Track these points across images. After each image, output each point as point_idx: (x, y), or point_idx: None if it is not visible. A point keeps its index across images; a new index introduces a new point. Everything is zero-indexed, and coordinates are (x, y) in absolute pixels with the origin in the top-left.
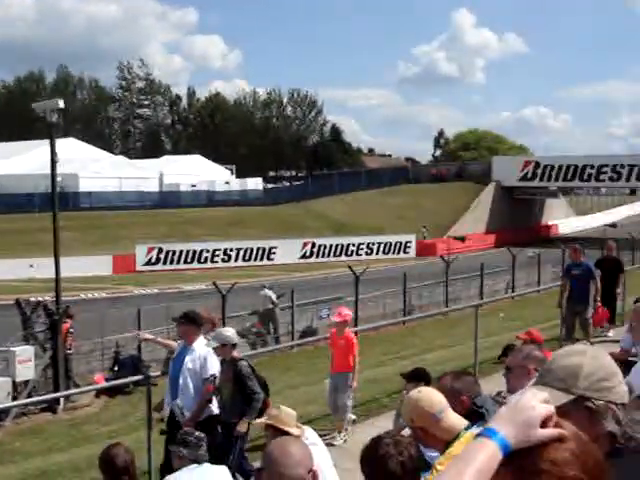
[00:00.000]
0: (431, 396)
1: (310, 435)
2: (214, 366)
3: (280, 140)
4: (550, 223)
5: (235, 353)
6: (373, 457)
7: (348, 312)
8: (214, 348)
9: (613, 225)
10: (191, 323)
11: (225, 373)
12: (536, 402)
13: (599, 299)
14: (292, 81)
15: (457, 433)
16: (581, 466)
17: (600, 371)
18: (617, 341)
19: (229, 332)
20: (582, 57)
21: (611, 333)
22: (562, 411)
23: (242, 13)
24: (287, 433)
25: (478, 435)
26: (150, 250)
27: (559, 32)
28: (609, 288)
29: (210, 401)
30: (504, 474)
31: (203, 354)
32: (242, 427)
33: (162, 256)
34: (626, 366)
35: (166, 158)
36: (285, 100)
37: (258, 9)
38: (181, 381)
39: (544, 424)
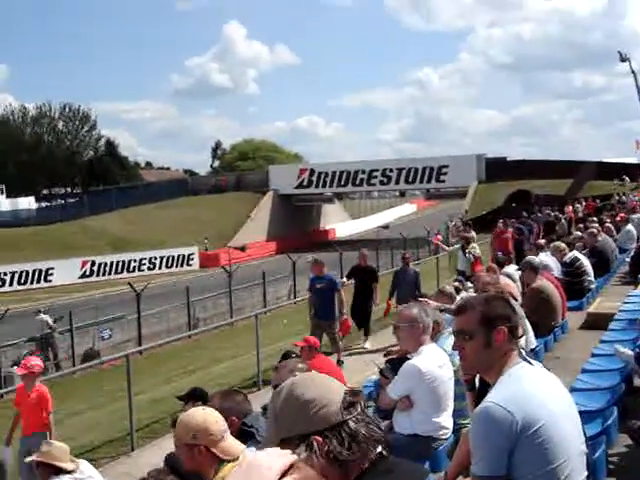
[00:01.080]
0: (217, 414)
1: (86, 469)
2: None
3: (53, 156)
4: (328, 228)
5: None
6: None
7: (37, 362)
8: None
9: (386, 226)
10: None
11: None
12: (272, 460)
13: (345, 311)
14: (63, 95)
15: (237, 455)
16: None
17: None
18: (375, 351)
19: None
20: (350, 67)
21: (367, 345)
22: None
23: (5, 26)
24: (59, 469)
25: None
26: None
27: (327, 43)
28: (363, 298)
29: None
30: None
31: None
32: None
33: None
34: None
35: None
36: (57, 115)
37: (22, 21)
38: None
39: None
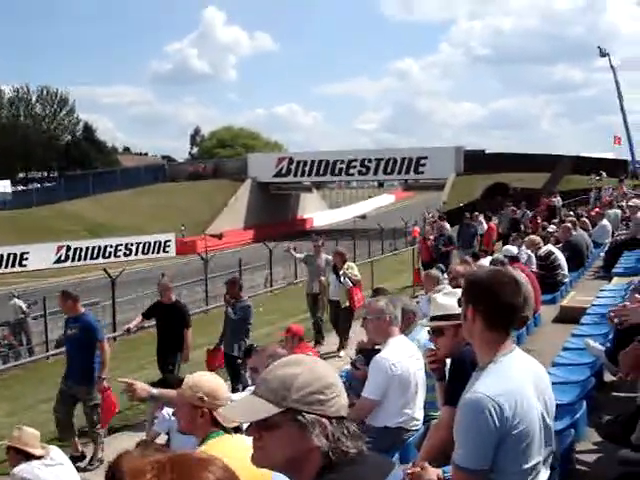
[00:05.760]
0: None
1: (56, 455)
2: None
3: (29, 140)
4: (305, 217)
5: None
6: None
7: None
8: None
9: (363, 217)
10: None
11: None
12: None
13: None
14: (41, 78)
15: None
16: None
17: (315, 383)
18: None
19: None
20: (330, 56)
21: (342, 353)
22: (272, 423)
23: None
24: (30, 455)
25: None
26: None
27: (308, 32)
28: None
29: None
30: None
31: None
32: None
33: None
34: None
35: None
36: (34, 98)
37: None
38: None
39: None
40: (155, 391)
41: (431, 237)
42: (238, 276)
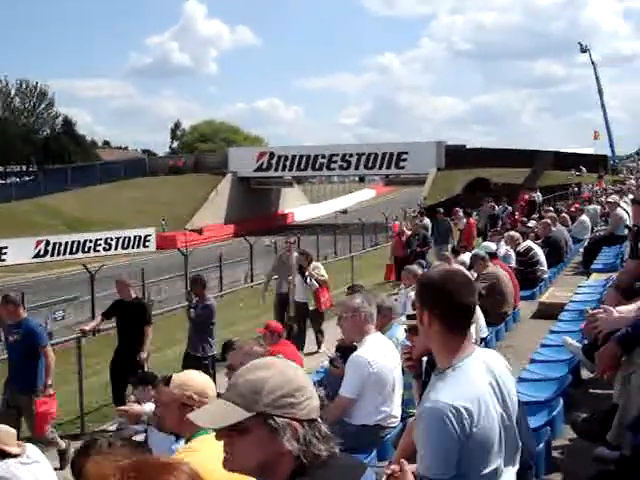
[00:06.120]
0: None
1: (32, 453)
2: None
3: (8, 133)
4: (286, 211)
5: None
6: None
7: None
8: None
9: (344, 211)
10: None
11: None
12: None
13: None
14: (19, 71)
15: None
16: None
17: (285, 387)
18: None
19: None
20: (312, 50)
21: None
22: (242, 427)
23: None
24: (5, 452)
25: None
26: None
27: (289, 26)
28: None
29: None
30: None
31: None
32: None
33: None
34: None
35: None
36: (13, 91)
37: None
38: None
39: None
40: (147, 409)
41: (408, 232)
42: (202, 274)
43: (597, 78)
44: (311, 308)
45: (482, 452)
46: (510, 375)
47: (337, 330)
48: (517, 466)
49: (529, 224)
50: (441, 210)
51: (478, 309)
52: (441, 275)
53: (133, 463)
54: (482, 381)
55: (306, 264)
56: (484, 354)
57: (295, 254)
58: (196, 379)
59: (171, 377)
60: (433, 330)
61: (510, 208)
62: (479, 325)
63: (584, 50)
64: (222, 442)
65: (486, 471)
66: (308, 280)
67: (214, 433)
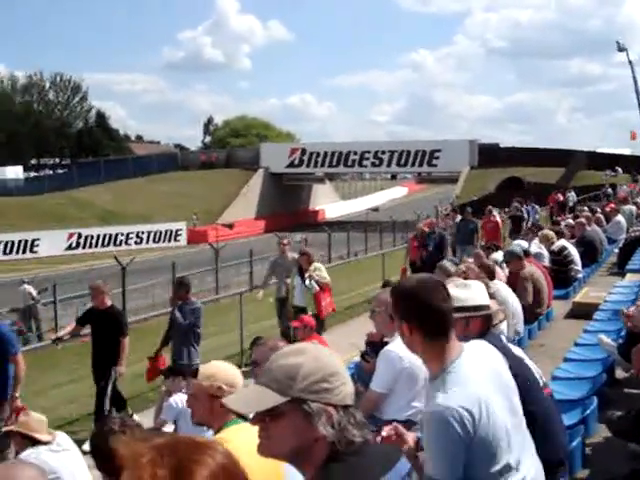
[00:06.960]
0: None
1: (62, 441)
2: None
3: (42, 126)
4: (317, 208)
5: None
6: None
7: None
8: None
9: (375, 209)
10: None
11: None
12: None
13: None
14: (54, 65)
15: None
16: None
17: (319, 372)
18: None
19: None
20: (345, 47)
21: None
22: (277, 413)
23: None
24: (36, 440)
25: None
26: None
27: (322, 22)
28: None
29: None
30: None
31: None
32: None
33: None
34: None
35: None
36: (47, 85)
37: None
38: None
39: None
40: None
41: (425, 229)
42: (187, 277)
43: (634, 78)
44: (310, 313)
45: (489, 450)
46: (507, 370)
47: (365, 325)
48: (535, 458)
49: (564, 223)
50: (469, 209)
51: (518, 307)
52: (412, 285)
53: (167, 442)
54: (480, 380)
55: (307, 265)
56: (473, 349)
57: (290, 255)
58: (224, 370)
59: (198, 369)
60: (415, 339)
61: (537, 208)
62: (512, 322)
63: (621, 49)
64: (254, 430)
65: (496, 468)
66: (307, 282)
67: (244, 424)
